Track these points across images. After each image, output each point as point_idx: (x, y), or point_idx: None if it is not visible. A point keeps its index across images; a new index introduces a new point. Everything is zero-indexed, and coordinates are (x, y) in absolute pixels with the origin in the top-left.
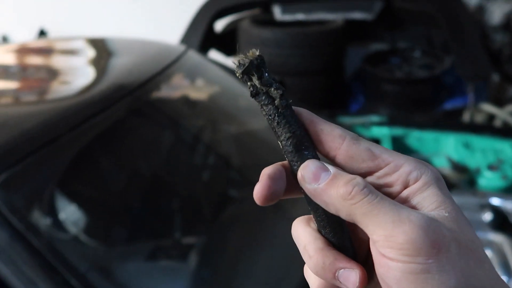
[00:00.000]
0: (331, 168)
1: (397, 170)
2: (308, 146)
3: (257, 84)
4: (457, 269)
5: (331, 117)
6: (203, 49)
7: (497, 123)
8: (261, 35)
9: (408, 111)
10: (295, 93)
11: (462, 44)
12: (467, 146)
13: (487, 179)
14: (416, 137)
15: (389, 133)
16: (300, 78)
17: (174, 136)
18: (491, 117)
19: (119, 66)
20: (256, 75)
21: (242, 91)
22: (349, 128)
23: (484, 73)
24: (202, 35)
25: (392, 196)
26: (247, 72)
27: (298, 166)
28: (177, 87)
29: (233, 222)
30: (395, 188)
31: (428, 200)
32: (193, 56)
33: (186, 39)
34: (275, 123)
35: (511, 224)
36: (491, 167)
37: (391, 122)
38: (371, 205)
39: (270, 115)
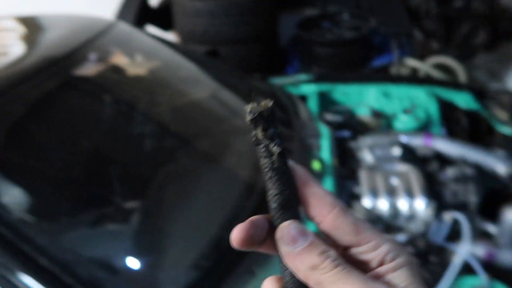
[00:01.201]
0: (310, 235)
1: (376, 249)
2: (293, 207)
3: (259, 136)
4: None
5: (263, 80)
6: (139, 24)
7: (421, 75)
8: (195, 7)
9: (340, 71)
10: (231, 61)
11: (384, 4)
12: (386, 95)
13: (403, 122)
14: (341, 91)
15: (317, 89)
16: (236, 46)
17: (106, 105)
18: (415, 70)
19: (47, 40)
20: (261, 127)
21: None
22: (281, 87)
23: (405, 29)
24: (136, 10)
25: (367, 271)
26: (254, 122)
27: (278, 224)
28: (107, 58)
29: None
30: (371, 264)
31: (398, 279)
32: (124, 28)
33: (121, 15)
34: (268, 177)
35: (416, 156)
36: (405, 111)
37: (318, 79)
38: (340, 274)
39: (265, 168)
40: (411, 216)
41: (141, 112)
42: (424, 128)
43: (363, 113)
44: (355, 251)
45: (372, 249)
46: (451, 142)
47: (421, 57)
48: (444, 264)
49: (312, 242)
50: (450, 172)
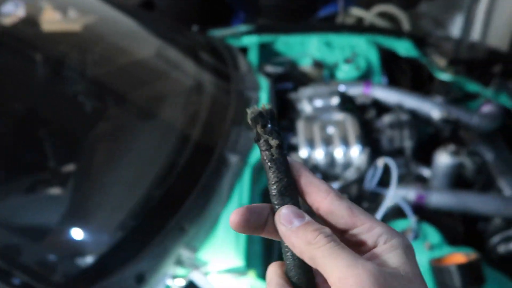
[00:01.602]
0: (306, 217)
1: (370, 231)
2: (291, 194)
3: (259, 132)
4: None
5: (202, 32)
6: None
7: (366, 24)
8: None
9: (284, 22)
10: (168, 13)
11: None
12: (328, 45)
13: (344, 72)
14: (284, 42)
15: (258, 40)
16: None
17: (37, 63)
18: (360, 20)
19: None
20: (260, 124)
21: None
22: (220, 39)
23: None
24: None
25: (361, 253)
26: (254, 120)
27: (277, 209)
28: (37, 13)
29: (104, 145)
30: (366, 246)
31: (391, 260)
32: None
33: None
34: (267, 167)
35: (355, 104)
36: (347, 61)
37: (259, 30)
38: (331, 250)
39: (265, 160)
40: (347, 164)
41: (75, 70)
42: (365, 77)
43: (305, 64)
44: (350, 233)
45: (367, 231)
46: (389, 89)
47: (366, 6)
48: (376, 209)
49: (307, 222)
50: (386, 119)
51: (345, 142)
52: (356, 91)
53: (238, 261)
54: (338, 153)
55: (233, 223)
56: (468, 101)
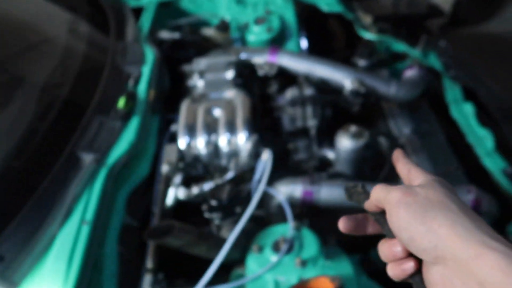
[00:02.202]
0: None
1: (417, 180)
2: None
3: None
4: (419, 203)
5: None
6: None
7: None
8: None
9: None
10: None
11: None
12: (239, 2)
13: (254, 34)
14: (190, 0)
15: None
16: None
17: None
18: None
19: None
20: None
21: None
22: None
23: None
24: None
25: None
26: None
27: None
28: None
29: None
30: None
31: (420, 181)
32: None
33: None
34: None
35: (255, 77)
36: (258, 21)
37: None
38: (384, 191)
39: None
40: (233, 154)
41: None
42: (278, 39)
43: (212, 25)
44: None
45: (413, 176)
46: (297, 57)
47: None
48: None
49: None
50: (288, 94)
51: (231, 128)
52: (261, 59)
53: None
54: (223, 141)
55: (343, 229)
56: (396, 63)
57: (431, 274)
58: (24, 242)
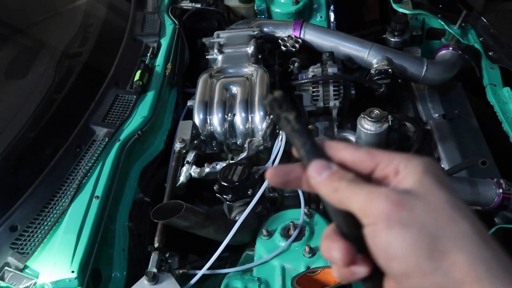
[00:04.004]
0: (334, 167)
1: (391, 163)
2: (317, 152)
3: (278, 112)
4: (420, 223)
5: None
6: None
7: None
8: None
9: None
10: None
11: None
12: None
13: (280, 5)
14: None
15: None
16: None
17: None
18: None
19: None
20: (277, 106)
21: None
22: None
23: None
24: None
25: (388, 184)
26: (271, 106)
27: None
28: None
29: None
30: (390, 178)
31: (407, 180)
32: None
33: None
34: (292, 137)
35: (278, 52)
36: None
37: None
38: (352, 188)
39: (289, 133)
40: (249, 134)
41: None
42: (306, 11)
43: None
44: (376, 173)
45: (387, 165)
46: (322, 32)
47: None
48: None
49: (333, 172)
50: (311, 72)
51: (248, 106)
52: (284, 33)
53: (71, 273)
54: (238, 119)
55: (270, 180)
56: (431, 41)
57: None
58: (36, 213)
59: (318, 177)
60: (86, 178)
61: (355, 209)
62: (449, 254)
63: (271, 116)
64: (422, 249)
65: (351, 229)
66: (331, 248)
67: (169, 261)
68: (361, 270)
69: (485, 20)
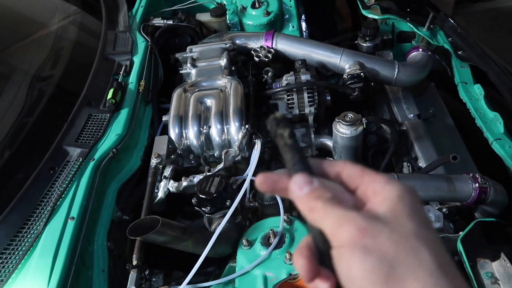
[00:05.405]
0: (315, 183)
1: (372, 183)
2: (303, 166)
3: (274, 129)
4: (381, 250)
5: None
6: None
7: None
8: None
9: None
10: None
11: None
12: None
13: (252, 18)
14: None
15: None
16: None
17: None
18: None
19: None
20: (274, 123)
21: None
22: None
23: None
24: None
25: (366, 202)
26: (270, 122)
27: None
28: None
29: None
30: (369, 197)
31: (382, 206)
32: None
33: None
34: (283, 152)
35: (250, 63)
36: (255, 4)
37: None
38: (325, 210)
39: (281, 148)
40: (225, 144)
41: None
42: (277, 22)
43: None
44: (359, 190)
45: (368, 184)
46: (294, 41)
47: None
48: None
49: (313, 189)
50: (284, 81)
51: (222, 118)
52: (256, 44)
53: None
54: (214, 132)
55: (259, 186)
56: (401, 44)
57: None
58: (9, 239)
59: (298, 192)
60: (60, 199)
61: (326, 230)
62: (404, 282)
63: (247, 126)
64: (380, 275)
65: (324, 245)
66: (297, 263)
67: (154, 279)
68: (324, 286)
69: (452, 21)
